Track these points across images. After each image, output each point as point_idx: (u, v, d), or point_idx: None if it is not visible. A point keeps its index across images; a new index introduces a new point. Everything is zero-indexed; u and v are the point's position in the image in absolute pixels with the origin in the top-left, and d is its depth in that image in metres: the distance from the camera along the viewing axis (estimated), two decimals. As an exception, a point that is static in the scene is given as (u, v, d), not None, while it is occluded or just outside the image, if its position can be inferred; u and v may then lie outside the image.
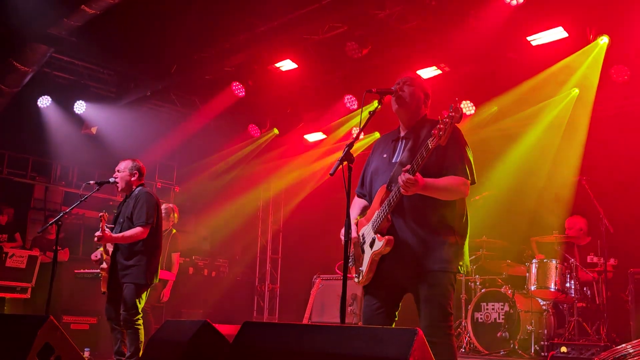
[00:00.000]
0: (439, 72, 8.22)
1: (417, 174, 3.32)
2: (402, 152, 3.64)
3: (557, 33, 7.35)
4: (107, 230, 5.57)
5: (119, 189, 5.94)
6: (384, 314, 3.59)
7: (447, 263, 3.45)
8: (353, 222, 3.74)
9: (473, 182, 3.55)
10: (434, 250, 3.46)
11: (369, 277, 3.58)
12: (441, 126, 3.23)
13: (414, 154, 3.41)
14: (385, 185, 3.60)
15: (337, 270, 7.90)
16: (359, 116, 3.70)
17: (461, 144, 3.58)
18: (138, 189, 5.90)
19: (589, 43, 7.31)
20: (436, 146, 3.27)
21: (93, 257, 5.93)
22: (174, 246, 7.92)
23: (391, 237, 3.48)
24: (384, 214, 3.53)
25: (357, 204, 3.92)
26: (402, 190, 3.35)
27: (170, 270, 7.84)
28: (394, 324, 3.63)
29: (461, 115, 3.22)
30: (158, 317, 8.15)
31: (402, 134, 3.76)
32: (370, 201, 3.76)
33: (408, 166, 3.36)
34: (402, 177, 3.32)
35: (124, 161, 5.96)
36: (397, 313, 3.66)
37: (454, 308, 8.18)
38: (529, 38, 7.46)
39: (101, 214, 5.55)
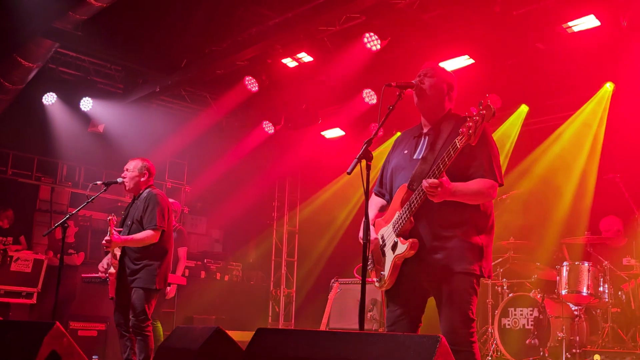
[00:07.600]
0: (464, 64, 8.00)
1: (444, 176, 3.24)
2: (425, 149, 3.54)
3: (589, 21, 7.07)
4: (116, 234, 5.50)
5: (127, 189, 5.88)
6: (408, 319, 3.51)
7: (469, 265, 3.35)
8: (371, 222, 3.62)
9: (501, 184, 3.46)
10: (456, 252, 3.37)
11: (391, 281, 3.49)
12: (470, 124, 3.14)
13: (436, 151, 3.39)
14: (406, 185, 3.48)
15: (356, 274, 7.88)
16: (378, 111, 3.56)
17: (489, 143, 3.47)
18: (147, 190, 5.83)
19: (623, 32, 7.03)
20: (465, 146, 3.19)
21: (100, 268, 5.84)
22: (180, 241, 7.75)
23: (416, 240, 3.38)
24: (406, 215, 3.42)
25: (375, 203, 3.82)
26: (428, 196, 3.26)
27: (177, 265, 7.70)
28: (419, 329, 3.55)
29: (493, 113, 3.15)
30: (169, 324, 8.13)
31: (425, 130, 3.64)
32: (389, 200, 3.67)
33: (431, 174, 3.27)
34: (426, 182, 3.23)
35: (133, 160, 5.90)
36: (422, 318, 3.58)
37: (480, 313, 8.07)
38: (557, 28, 7.22)
39: (109, 217, 5.49)
